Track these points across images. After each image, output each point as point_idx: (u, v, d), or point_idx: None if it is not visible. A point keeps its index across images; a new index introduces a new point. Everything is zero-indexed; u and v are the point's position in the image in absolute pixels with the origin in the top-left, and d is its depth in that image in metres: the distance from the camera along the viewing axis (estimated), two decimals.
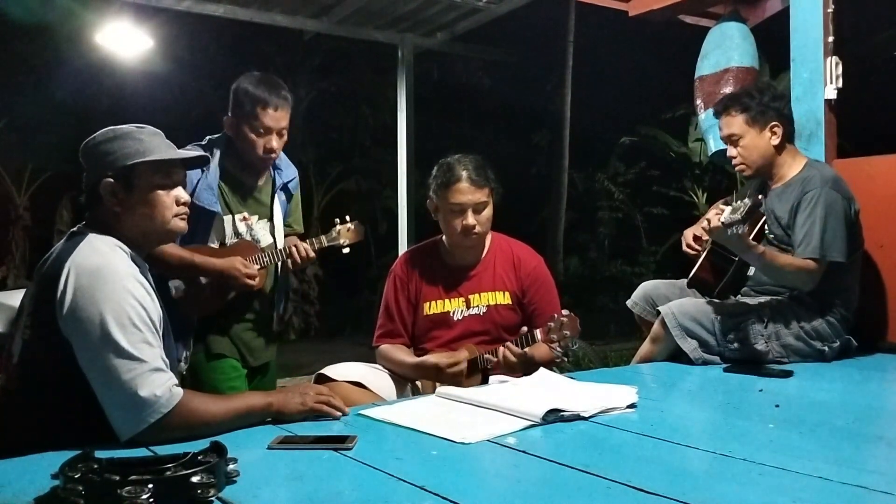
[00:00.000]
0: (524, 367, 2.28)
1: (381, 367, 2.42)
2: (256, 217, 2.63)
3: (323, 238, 2.64)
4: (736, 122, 2.64)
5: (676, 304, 2.61)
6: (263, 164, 2.60)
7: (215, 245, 2.54)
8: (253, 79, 2.55)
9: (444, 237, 2.53)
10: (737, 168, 2.74)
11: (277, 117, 2.52)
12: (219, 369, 2.56)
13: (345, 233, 2.65)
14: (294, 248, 2.56)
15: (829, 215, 2.49)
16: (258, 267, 2.52)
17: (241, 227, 2.59)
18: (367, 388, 2.23)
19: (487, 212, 2.41)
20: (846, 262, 2.52)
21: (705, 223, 2.55)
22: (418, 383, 2.43)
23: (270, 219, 2.66)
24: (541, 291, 2.49)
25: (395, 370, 2.41)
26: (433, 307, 2.47)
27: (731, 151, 2.70)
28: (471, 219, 2.37)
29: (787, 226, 2.60)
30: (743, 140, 2.64)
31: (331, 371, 2.26)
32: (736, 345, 2.53)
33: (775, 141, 2.63)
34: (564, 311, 2.26)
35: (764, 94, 2.66)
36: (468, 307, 2.46)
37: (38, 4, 7.95)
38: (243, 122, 2.50)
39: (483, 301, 2.45)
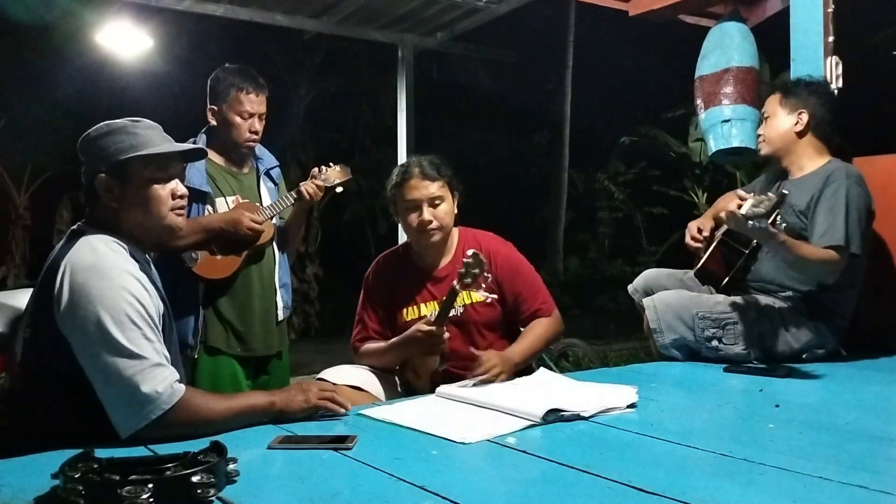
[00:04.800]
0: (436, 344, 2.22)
1: (377, 372, 2.38)
2: (248, 201, 2.73)
3: (318, 181, 2.79)
4: (772, 100, 2.75)
5: (659, 297, 2.64)
6: (248, 147, 2.75)
7: None
8: (231, 69, 2.75)
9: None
10: (759, 144, 2.82)
11: (258, 102, 2.72)
12: (214, 367, 2.63)
13: (334, 174, 2.84)
14: (304, 187, 2.74)
15: (853, 208, 2.47)
16: (262, 218, 2.66)
17: None
18: (367, 392, 2.22)
19: (445, 206, 2.37)
20: (859, 257, 2.49)
21: (723, 214, 2.46)
22: (398, 382, 2.40)
23: (260, 202, 2.77)
24: (518, 279, 2.43)
25: (381, 360, 2.37)
26: (410, 313, 2.43)
27: (761, 129, 2.79)
28: (426, 214, 2.33)
29: (801, 213, 2.57)
30: (770, 119, 2.73)
31: (330, 374, 2.24)
32: (714, 343, 2.54)
33: (798, 127, 2.66)
34: (468, 252, 2.20)
35: (809, 86, 2.73)
36: None
37: (38, 4, 7.95)
38: (227, 110, 2.69)
39: (458, 301, 2.37)
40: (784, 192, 2.34)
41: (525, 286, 2.45)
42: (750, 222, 2.26)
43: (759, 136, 2.78)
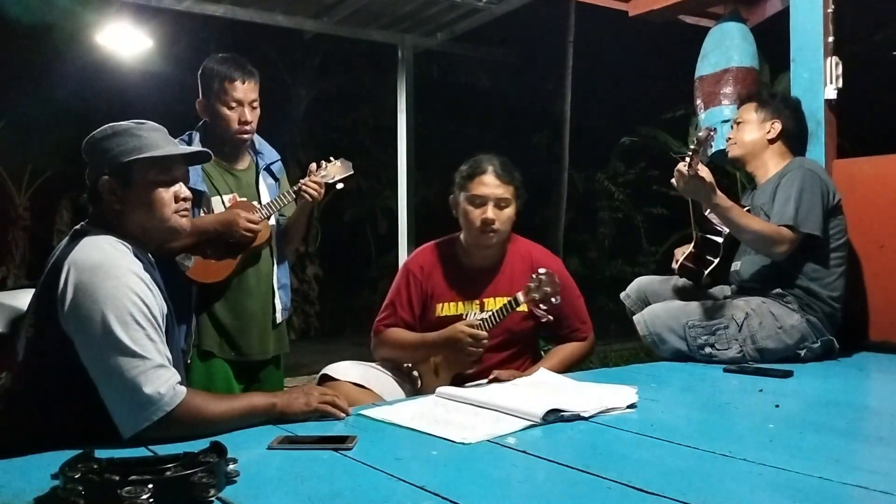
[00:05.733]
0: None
1: (381, 368, 2.38)
2: (245, 200, 2.66)
3: (316, 178, 2.67)
4: (747, 108, 2.83)
5: (648, 312, 2.67)
6: (241, 139, 2.65)
7: None
8: (217, 59, 2.64)
9: (461, 236, 2.46)
10: (727, 145, 2.88)
11: (246, 89, 2.60)
12: (207, 371, 2.58)
13: (335, 169, 2.70)
14: (305, 187, 2.62)
15: (804, 190, 2.53)
16: (259, 217, 2.58)
17: None
18: (369, 389, 2.21)
19: (509, 211, 2.36)
20: (822, 237, 2.53)
21: (673, 180, 2.50)
22: (417, 376, 2.39)
23: (259, 201, 2.69)
24: (563, 299, 2.38)
25: (407, 352, 2.36)
26: (446, 309, 2.41)
27: (731, 133, 2.86)
28: (490, 212, 2.31)
29: (767, 212, 2.61)
30: (743, 125, 2.81)
31: (333, 371, 2.24)
32: (707, 350, 2.55)
33: (771, 135, 2.75)
34: (541, 270, 2.22)
35: (784, 99, 2.86)
36: (482, 311, 2.38)
37: (38, 4, 7.95)
38: (215, 101, 2.59)
39: (498, 305, 2.35)
40: (708, 129, 2.43)
41: (567, 306, 2.42)
42: (688, 172, 2.35)
43: (729, 139, 2.86)
